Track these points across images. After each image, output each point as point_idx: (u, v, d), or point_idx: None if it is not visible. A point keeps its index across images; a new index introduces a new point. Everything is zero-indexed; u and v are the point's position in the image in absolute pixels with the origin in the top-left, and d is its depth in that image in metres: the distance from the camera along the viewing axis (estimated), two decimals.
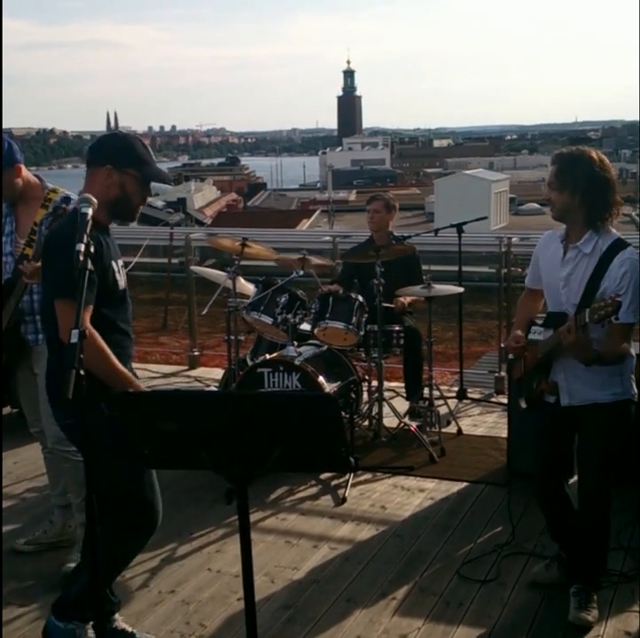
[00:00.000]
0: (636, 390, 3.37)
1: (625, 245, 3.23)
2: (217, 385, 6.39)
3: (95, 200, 2.57)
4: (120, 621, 3.26)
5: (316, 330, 5.42)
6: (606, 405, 3.30)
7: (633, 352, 3.37)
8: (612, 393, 3.30)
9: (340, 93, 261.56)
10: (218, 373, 7.02)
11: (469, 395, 6.38)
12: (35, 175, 3.94)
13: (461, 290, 5.89)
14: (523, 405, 3.56)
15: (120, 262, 3.15)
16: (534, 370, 3.43)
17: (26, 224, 3.87)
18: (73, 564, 3.89)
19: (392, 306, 5.72)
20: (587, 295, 3.20)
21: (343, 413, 4.99)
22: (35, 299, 3.85)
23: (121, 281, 3.10)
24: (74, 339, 2.32)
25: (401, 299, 5.78)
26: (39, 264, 3.60)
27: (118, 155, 3.00)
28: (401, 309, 5.79)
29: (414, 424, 5.54)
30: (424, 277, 5.61)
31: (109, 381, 2.88)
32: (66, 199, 3.75)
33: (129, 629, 3.24)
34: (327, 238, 8.02)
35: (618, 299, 2.99)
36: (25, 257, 3.82)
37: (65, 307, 2.83)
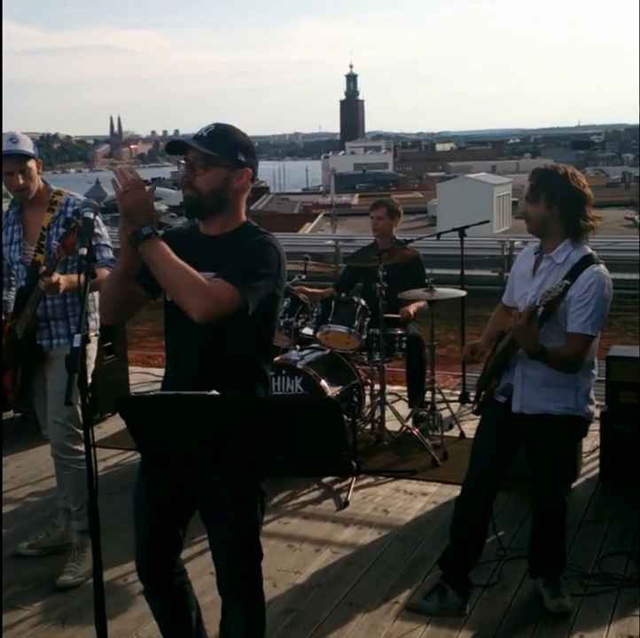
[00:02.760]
0: (591, 409, 3.37)
1: (597, 261, 3.26)
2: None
3: (97, 204, 2.57)
4: None
5: (318, 334, 5.42)
6: (557, 417, 3.31)
7: (595, 372, 3.38)
8: (564, 407, 3.31)
9: (343, 97, 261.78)
10: None
11: (471, 399, 6.36)
12: (41, 179, 3.91)
13: (463, 293, 5.88)
14: (474, 409, 3.58)
15: None
16: (491, 372, 3.45)
17: (34, 230, 3.87)
18: (68, 577, 3.90)
19: (398, 316, 5.70)
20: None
21: (345, 417, 4.98)
22: (49, 304, 3.84)
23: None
24: (76, 344, 2.32)
25: (408, 308, 5.74)
26: (53, 279, 3.59)
27: None
28: (407, 319, 5.77)
29: (416, 428, 5.53)
30: (426, 281, 5.60)
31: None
32: (76, 212, 3.68)
33: None
34: (330, 242, 8.04)
35: (567, 283, 3.06)
36: (37, 264, 3.80)
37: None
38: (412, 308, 5.76)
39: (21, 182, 3.76)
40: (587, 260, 3.23)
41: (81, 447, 3.77)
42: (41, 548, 4.17)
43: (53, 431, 3.91)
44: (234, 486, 2.26)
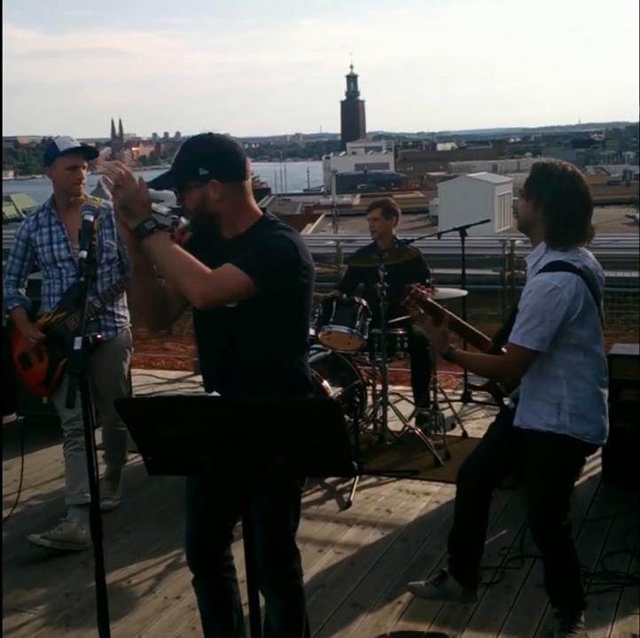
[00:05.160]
0: (585, 429, 3.08)
1: (557, 267, 2.96)
2: None
3: (97, 207, 2.59)
4: None
5: (319, 335, 5.42)
6: (541, 434, 3.11)
7: (586, 386, 3.11)
8: (546, 424, 3.09)
9: (344, 98, 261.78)
10: None
11: (473, 398, 6.37)
12: None
13: (465, 293, 5.88)
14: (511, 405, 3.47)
15: None
16: None
17: (76, 231, 4.03)
18: (109, 502, 4.59)
19: (402, 319, 5.67)
20: (515, 310, 3.12)
21: (347, 417, 4.99)
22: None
23: None
24: (77, 347, 2.33)
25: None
26: None
27: None
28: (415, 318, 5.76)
29: (419, 428, 5.54)
30: (427, 281, 5.60)
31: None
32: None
33: None
34: (331, 243, 8.04)
35: (411, 285, 3.13)
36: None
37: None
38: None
39: (84, 174, 4.23)
40: (546, 268, 2.99)
41: None
42: (53, 540, 4.22)
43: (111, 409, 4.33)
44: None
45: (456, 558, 3.51)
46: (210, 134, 2.65)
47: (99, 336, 4.15)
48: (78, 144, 4.23)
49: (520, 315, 3.01)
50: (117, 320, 4.42)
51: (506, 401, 3.36)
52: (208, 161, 2.56)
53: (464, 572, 3.48)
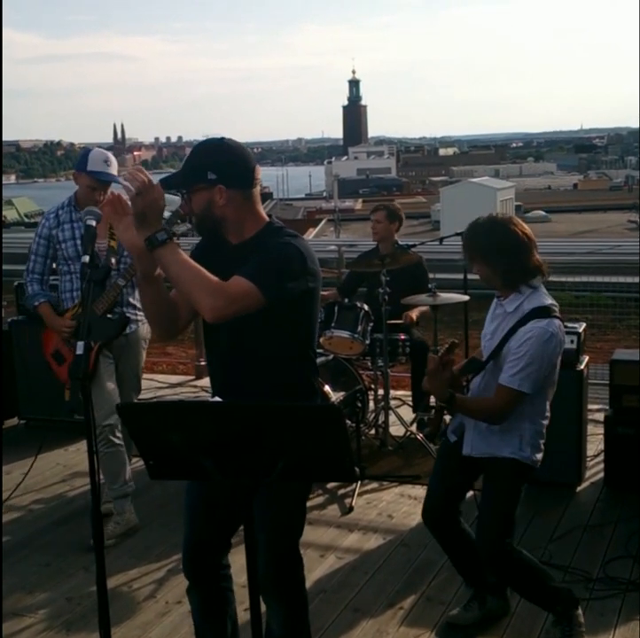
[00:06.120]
0: (538, 457, 3.25)
1: (547, 314, 3.12)
2: None
3: (100, 212, 2.59)
4: None
5: (321, 339, 5.42)
6: (503, 460, 3.22)
7: (545, 421, 3.27)
8: (509, 451, 3.21)
9: (346, 102, 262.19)
10: None
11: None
12: None
13: (467, 298, 5.87)
14: (425, 432, 3.53)
15: None
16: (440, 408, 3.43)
17: (100, 227, 4.05)
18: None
19: (400, 321, 5.68)
20: (497, 350, 3.19)
21: (349, 422, 4.98)
22: (124, 292, 4.35)
23: None
24: (79, 351, 2.33)
25: (411, 313, 5.74)
26: None
27: None
28: (410, 324, 5.76)
29: (420, 433, 5.53)
30: (429, 286, 5.60)
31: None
32: None
33: None
34: (333, 247, 8.02)
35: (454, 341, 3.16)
36: (113, 249, 4.24)
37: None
38: (415, 313, 5.76)
39: (102, 198, 4.30)
40: (535, 313, 3.11)
41: None
42: (117, 536, 4.36)
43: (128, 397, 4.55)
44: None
45: (479, 582, 3.53)
46: (222, 139, 2.64)
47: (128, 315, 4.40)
48: (108, 169, 4.29)
49: (519, 359, 3.08)
50: (138, 313, 4.45)
51: (450, 437, 3.45)
52: (217, 166, 2.56)
53: (496, 587, 3.51)
